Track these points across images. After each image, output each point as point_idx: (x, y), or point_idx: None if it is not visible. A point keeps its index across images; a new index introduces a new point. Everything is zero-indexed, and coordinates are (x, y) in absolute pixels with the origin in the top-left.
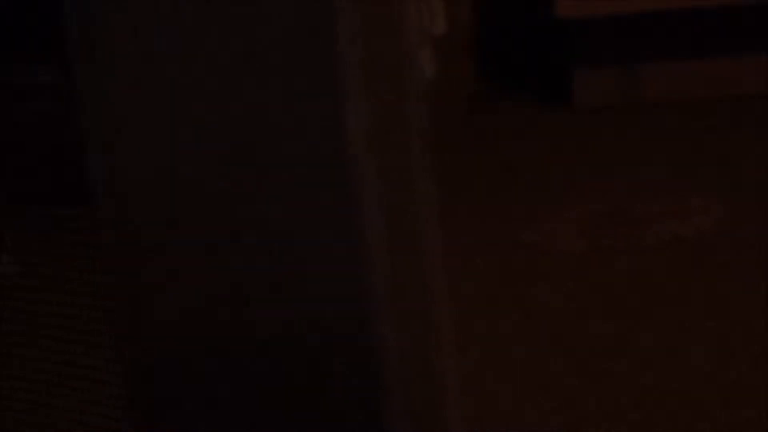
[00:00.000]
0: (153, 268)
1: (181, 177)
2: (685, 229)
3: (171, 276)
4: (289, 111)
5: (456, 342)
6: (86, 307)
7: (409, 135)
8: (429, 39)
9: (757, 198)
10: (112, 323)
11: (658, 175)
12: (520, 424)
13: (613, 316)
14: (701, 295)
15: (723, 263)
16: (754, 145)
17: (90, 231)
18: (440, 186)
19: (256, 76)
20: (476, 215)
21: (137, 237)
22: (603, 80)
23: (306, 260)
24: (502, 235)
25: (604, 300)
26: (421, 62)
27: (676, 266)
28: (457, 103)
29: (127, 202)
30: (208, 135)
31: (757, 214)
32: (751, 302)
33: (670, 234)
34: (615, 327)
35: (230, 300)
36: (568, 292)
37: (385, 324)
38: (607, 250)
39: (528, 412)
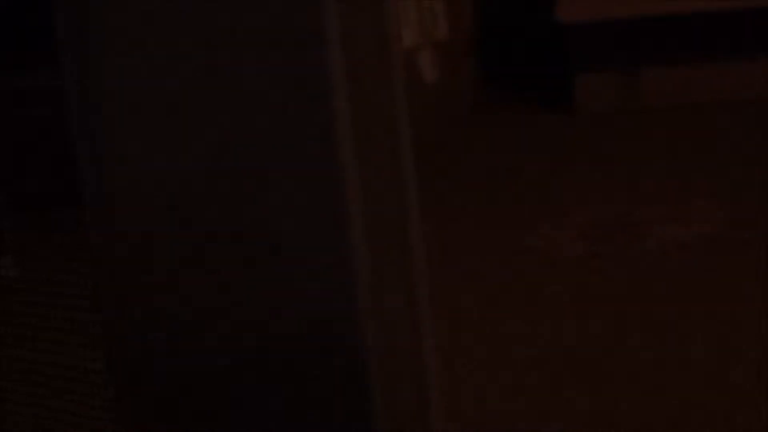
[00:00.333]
0: (139, 268)
1: (169, 178)
2: (686, 233)
3: (158, 276)
4: (277, 117)
5: (457, 345)
6: (86, 309)
7: (395, 139)
8: (430, 44)
9: (758, 202)
10: (102, 325)
11: (659, 180)
12: (520, 427)
13: (614, 319)
14: (702, 299)
15: (724, 267)
16: (755, 150)
17: (89, 233)
18: (441, 190)
19: (246, 80)
20: (477, 219)
21: (124, 238)
22: (604, 85)
23: (291, 263)
24: (503, 239)
25: (604, 304)
26: (421, 66)
27: (677, 271)
28: (459, 107)
29: (115, 203)
30: (195, 139)
31: (758, 219)
32: (752, 306)
33: (671, 238)
34: (616, 331)
35: (216, 302)
36: (569, 295)
37: (369, 325)
38: (608, 254)
39: (528, 415)
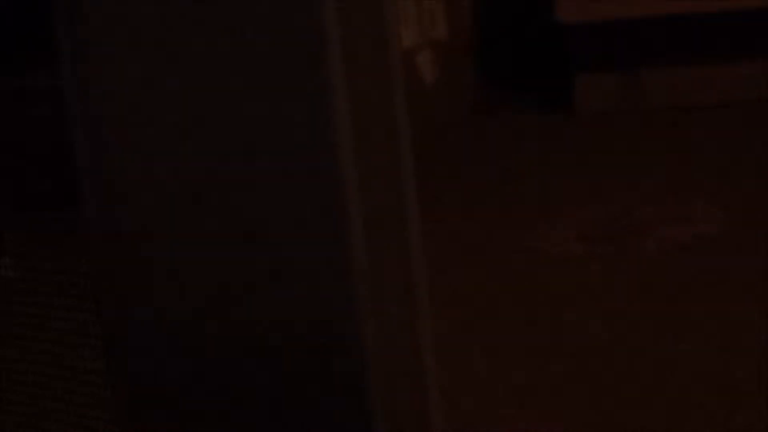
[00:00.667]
0: (139, 269)
1: (169, 180)
2: (685, 234)
3: (157, 277)
4: (276, 119)
5: (455, 346)
6: (85, 311)
7: (395, 140)
8: (430, 44)
9: (758, 204)
10: (102, 326)
11: (659, 181)
12: (520, 427)
13: (613, 321)
14: (702, 300)
15: (724, 269)
16: (755, 151)
17: (88, 234)
18: (440, 190)
19: (245, 81)
20: (476, 219)
21: (122, 238)
22: (604, 85)
23: (290, 265)
24: (502, 239)
25: (604, 305)
26: (420, 67)
27: (677, 271)
28: (458, 108)
29: (113, 203)
30: (195, 140)
31: (758, 220)
32: (752, 307)
33: (671, 239)
34: (615, 332)
35: (216, 301)
36: (568, 297)
37: (368, 326)
38: (608, 254)
39: (527, 416)
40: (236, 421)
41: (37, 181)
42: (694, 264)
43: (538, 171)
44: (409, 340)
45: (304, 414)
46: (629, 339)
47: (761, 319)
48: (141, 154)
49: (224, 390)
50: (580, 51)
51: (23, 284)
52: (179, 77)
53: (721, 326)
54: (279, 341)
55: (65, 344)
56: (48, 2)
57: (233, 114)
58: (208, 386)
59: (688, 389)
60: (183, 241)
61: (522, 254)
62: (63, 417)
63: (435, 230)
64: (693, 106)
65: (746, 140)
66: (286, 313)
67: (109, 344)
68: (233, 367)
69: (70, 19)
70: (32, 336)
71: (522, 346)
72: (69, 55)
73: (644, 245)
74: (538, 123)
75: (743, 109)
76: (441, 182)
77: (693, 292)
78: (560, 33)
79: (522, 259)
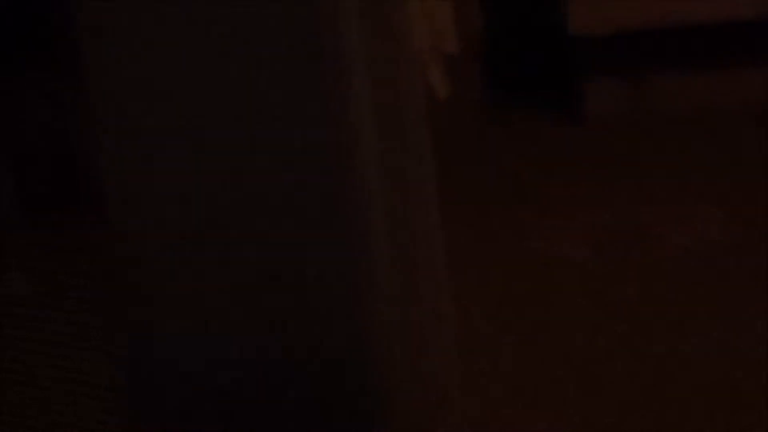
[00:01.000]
0: (155, 276)
1: (186, 186)
2: (692, 239)
3: (174, 286)
4: (294, 122)
5: (461, 350)
6: (96, 326)
7: (418, 153)
8: (440, 59)
9: (765, 209)
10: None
11: (667, 186)
12: (522, 429)
13: (619, 325)
14: (708, 305)
15: (730, 274)
16: (763, 156)
17: (101, 247)
18: (449, 196)
19: (264, 88)
20: (485, 225)
21: (141, 245)
22: (613, 93)
23: (309, 276)
24: (510, 244)
25: (610, 310)
26: (432, 82)
27: (683, 276)
28: (469, 116)
29: (132, 210)
30: (211, 149)
31: (765, 225)
32: (758, 313)
33: (677, 244)
34: (620, 337)
35: (232, 311)
36: (574, 301)
37: (385, 336)
38: (614, 260)
39: (533, 420)
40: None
41: (42, 185)
42: (700, 269)
43: (547, 177)
44: (428, 350)
45: (317, 426)
46: (634, 343)
47: (766, 323)
48: (158, 164)
49: (236, 400)
50: (590, 59)
51: (34, 299)
52: (197, 89)
53: (726, 330)
54: (294, 352)
55: (76, 357)
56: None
57: (251, 126)
58: (220, 398)
59: (693, 392)
60: (198, 253)
61: (529, 259)
62: (77, 427)
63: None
64: (702, 113)
65: (754, 147)
66: (301, 324)
67: (125, 355)
68: (245, 378)
69: (93, 32)
70: (43, 349)
71: (526, 351)
72: (91, 67)
73: (651, 249)
74: (548, 130)
75: (752, 116)
76: (448, 187)
77: (699, 295)
78: (570, 41)
79: (529, 264)
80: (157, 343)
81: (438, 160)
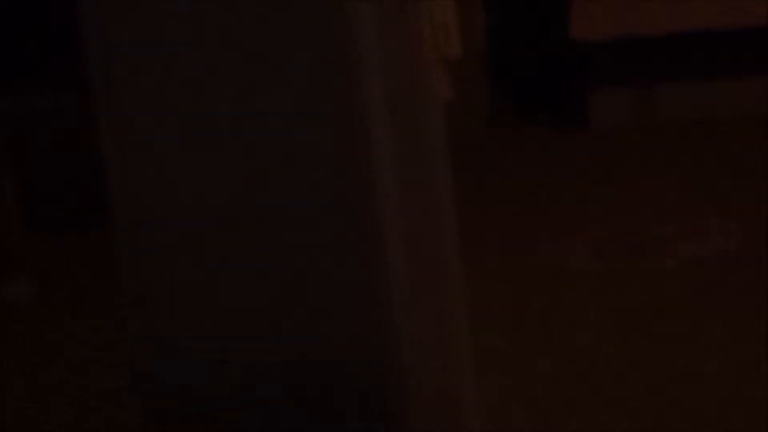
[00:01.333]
0: (166, 289)
1: (197, 200)
2: (702, 250)
3: (187, 299)
4: (310, 141)
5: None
6: (102, 333)
7: (433, 158)
8: (445, 64)
9: None
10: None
11: (674, 196)
12: None
13: (629, 337)
14: (719, 317)
15: (741, 285)
16: None
17: (106, 256)
18: (457, 207)
19: (277, 106)
20: (492, 236)
21: (151, 259)
22: (618, 101)
23: (326, 283)
24: (517, 255)
25: (619, 321)
26: (437, 87)
27: (693, 288)
28: (473, 125)
29: (141, 226)
30: (225, 163)
31: None
32: (765, 321)
33: (687, 255)
34: (630, 348)
35: (247, 322)
36: (583, 313)
37: (404, 344)
38: (623, 271)
39: (543, 430)
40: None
41: (56, 203)
42: (707, 277)
43: (553, 187)
44: (449, 361)
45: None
46: (645, 354)
47: None
48: (169, 178)
49: (257, 408)
50: (595, 68)
51: (41, 305)
52: (206, 102)
53: (739, 345)
54: (312, 361)
55: (83, 365)
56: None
57: (262, 139)
58: (236, 402)
59: (707, 406)
60: (213, 264)
61: (538, 270)
62: (77, 429)
63: None
64: (706, 121)
65: (760, 154)
66: (320, 331)
67: (136, 367)
68: (265, 387)
69: (102, 51)
70: (50, 356)
71: (537, 361)
72: (101, 86)
73: (660, 261)
74: (553, 139)
75: (757, 124)
76: (456, 199)
77: (709, 307)
78: (574, 49)
79: (538, 276)
80: (164, 348)
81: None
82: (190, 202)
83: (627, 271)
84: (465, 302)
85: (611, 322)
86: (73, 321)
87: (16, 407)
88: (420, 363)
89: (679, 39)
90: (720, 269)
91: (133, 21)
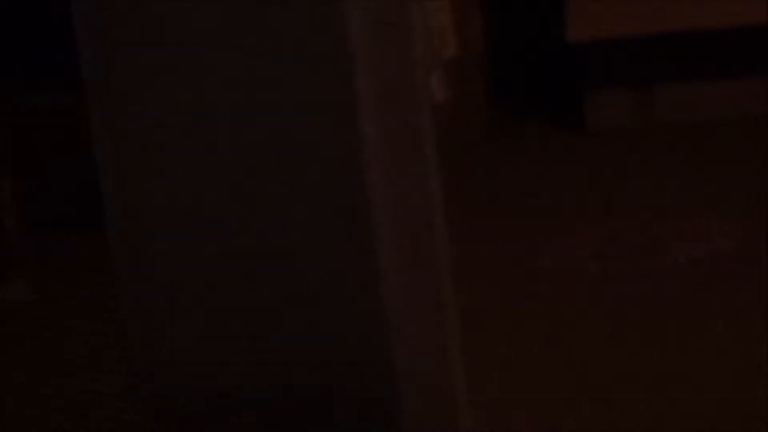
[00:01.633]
0: (163, 291)
1: (194, 202)
2: (701, 251)
3: (183, 299)
4: (303, 139)
5: (469, 362)
6: (102, 334)
7: (423, 160)
8: (441, 63)
9: None
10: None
11: (673, 197)
12: None
13: (627, 339)
14: (718, 319)
15: (741, 285)
16: None
17: (106, 257)
18: (453, 209)
19: (269, 106)
20: (489, 237)
21: (148, 261)
22: (616, 102)
23: (318, 288)
24: (515, 257)
25: (618, 323)
26: (431, 86)
27: (693, 288)
28: (470, 126)
29: (138, 227)
30: (220, 162)
31: None
32: (766, 321)
33: (686, 256)
34: (629, 350)
35: (244, 326)
36: (584, 313)
37: (398, 349)
38: (622, 273)
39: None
40: None
41: (50, 205)
42: (710, 280)
43: (550, 188)
44: (440, 358)
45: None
46: (645, 356)
47: None
48: (165, 179)
49: (253, 413)
50: (592, 68)
51: (38, 308)
52: (203, 105)
53: (738, 347)
54: (308, 366)
55: (81, 368)
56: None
57: (257, 144)
58: (235, 403)
59: (707, 407)
60: (208, 264)
61: (535, 272)
62: None
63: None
64: (705, 122)
65: (762, 156)
66: (314, 337)
67: (135, 367)
68: (261, 393)
69: (94, 49)
70: (47, 359)
71: (536, 362)
72: (93, 77)
73: (660, 262)
74: (550, 140)
75: (756, 124)
76: (452, 199)
77: (709, 308)
78: (571, 50)
79: (537, 276)
80: (163, 348)
81: (438, 167)
82: (184, 200)
83: (626, 272)
84: (456, 302)
85: (611, 322)
86: (73, 321)
87: (15, 408)
88: (414, 364)
89: (677, 39)
90: (719, 270)
91: (127, 19)
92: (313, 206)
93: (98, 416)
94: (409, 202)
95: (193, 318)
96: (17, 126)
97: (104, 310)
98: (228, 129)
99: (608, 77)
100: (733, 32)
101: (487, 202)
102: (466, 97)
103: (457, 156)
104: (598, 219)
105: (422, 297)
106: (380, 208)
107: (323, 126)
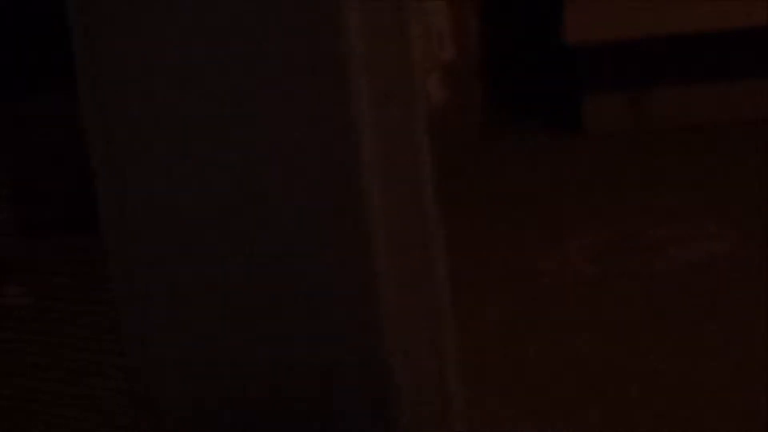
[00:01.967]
0: (159, 294)
1: (187, 207)
2: (698, 254)
3: (180, 302)
4: (298, 144)
5: (469, 368)
6: (98, 338)
7: (418, 163)
8: (437, 65)
9: None
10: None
11: (670, 201)
12: None
13: (625, 342)
14: (715, 322)
15: (738, 289)
16: (766, 170)
17: (102, 261)
18: (450, 212)
19: (267, 107)
20: (486, 241)
21: (144, 264)
22: (613, 106)
23: (314, 294)
24: (512, 261)
25: (617, 325)
26: (428, 89)
27: (689, 292)
28: (467, 129)
29: (131, 231)
30: (215, 164)
31: None
32: (764, 327)
33: (683, 260)
34: (627, 353)
35: (237, 334)
36: (581, 317)
37: (394, 357)
38: (619, 276)
39: None
40: None
41: (45, 207)
42: (707, 284)
43: (547, 192)
44: (435, 362)
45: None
46: (642, 360)
47: None
48: (161, 181)
49: (247, 421)
50: (589, 72)
51: (34, 312)
52: (196, 109)
53: (735, 350)
54: (303, 375)
55: (77, 373)
56: (62, 29)
57: (251, 148)
58: (233, 407)
59: (703, 411)
60: (206, 266)
61: (532, 275)
62: None
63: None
64: (703, 126)
65: (759, 160)
66: (309, 346)
67: (130, 371)
68: (256, 402)
69: (87, 46)
70: (44, 364)
71: (535, 364)
72: (87, 83)
73: (657, 265)
74: (547, 144)
75: (754, 128)
76: (449, 203)
77: (706, 311)
78: (569, 53)
79: (533, 281)
80: (159, 352)
81: (434, 175)
82: (180, 203)
83: (624, 275)
84: (450, 304)
85: (609, 325)
86: (70, 324)
87: (14, 410)
88: (411, 366)
89: (675, 42)
90: (718, 272)
91: (122, 19)
92: (308, 208)
93: (96, 418)
94: (405, 204)
95: (189, 320)
96: (13, 129)
97: (101, 312)
98: (224, 130)
99: (606, 80)
100: (731, 35)
101: (482, 205)
102: (463, 99)
103: (454, 158)
104: (596, 222)
105: (419, 299)
106: (377, 209)
107: (320, 128)
